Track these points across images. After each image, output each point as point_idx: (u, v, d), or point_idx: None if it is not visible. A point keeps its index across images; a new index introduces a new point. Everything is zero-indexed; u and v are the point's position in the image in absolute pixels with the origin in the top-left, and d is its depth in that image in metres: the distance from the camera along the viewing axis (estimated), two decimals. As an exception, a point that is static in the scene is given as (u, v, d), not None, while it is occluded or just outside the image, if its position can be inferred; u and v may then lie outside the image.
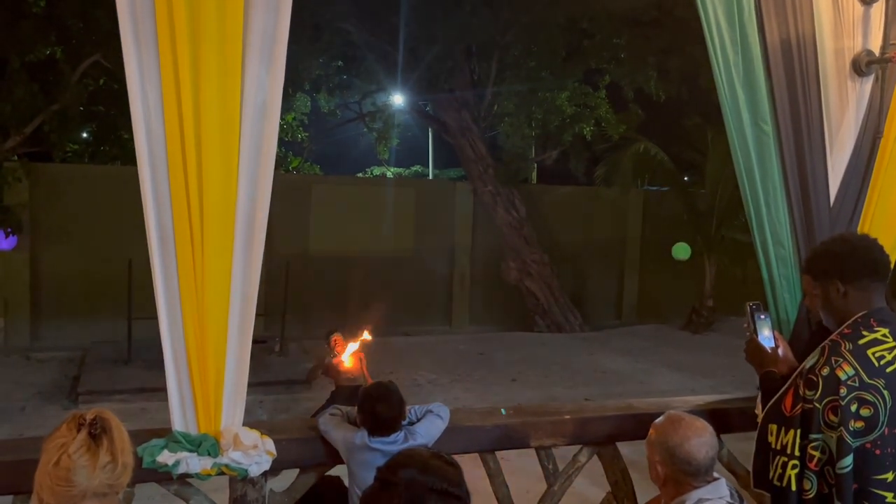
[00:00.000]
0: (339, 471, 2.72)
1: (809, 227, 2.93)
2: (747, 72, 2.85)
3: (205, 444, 2.28)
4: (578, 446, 2.95)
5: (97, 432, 1.57)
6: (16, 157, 10.21)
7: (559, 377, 9.44)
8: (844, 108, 2.96)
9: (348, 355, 5.88)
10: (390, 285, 11.96)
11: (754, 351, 2.49)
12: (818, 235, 2.89)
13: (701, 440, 2.16)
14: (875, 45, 2.93)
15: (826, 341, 2.22)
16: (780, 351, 2.46)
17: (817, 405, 2.13)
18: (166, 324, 2.28)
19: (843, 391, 2.09)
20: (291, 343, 10.06)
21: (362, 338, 6.09)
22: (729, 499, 2.17)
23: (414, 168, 22.44)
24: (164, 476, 2.30)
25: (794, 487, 2.16)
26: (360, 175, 20.09)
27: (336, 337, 6.05)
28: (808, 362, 2.22)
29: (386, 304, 11.51)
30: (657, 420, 2.28)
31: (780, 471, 2.19)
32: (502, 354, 10.66)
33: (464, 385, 8.91)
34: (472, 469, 1.91)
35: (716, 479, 2.20)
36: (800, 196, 2.93)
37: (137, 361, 8.59)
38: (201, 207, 2.23)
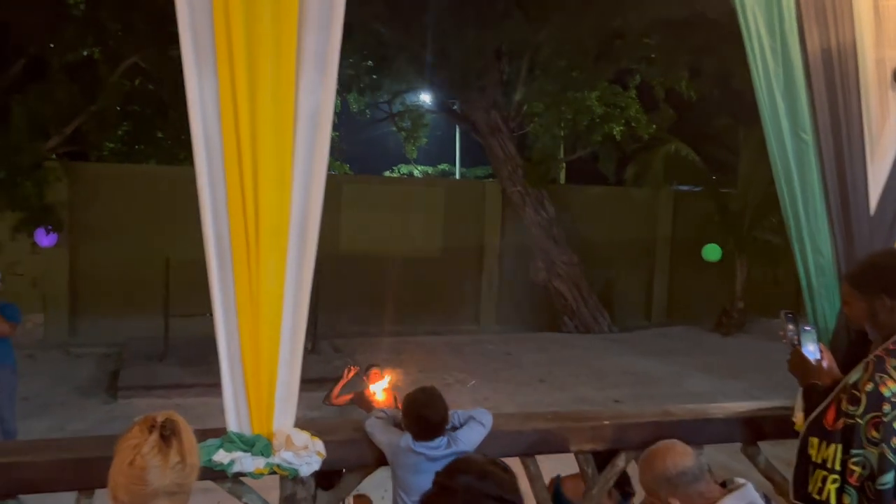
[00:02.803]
0: (383, 472, 2.79)
1: (849, 236, 2.93)
2: (787, 81, 2.87)
3: (258, 445, 2.36)
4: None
5: (168, 434, 1.65)
6: (55, 157, 10.45)
7: (587, 378, 9.44)
8: (885, 118, 2.96)
9: (380, 389, 5.93)
10: (419, 284, 12.04)
11: (798, 362, 2.48)
12: (858, 245, 2.90)
13: (677, 453, 2.18)
14: (917, 56, 2.94)
15: (871, 356, 2.22)
16: (824, 363, 2.46)
17: (860, 421, 2.14)
18: (222, 327, 2.35)
19: (886, 408, 2.11)
20: (322, 341, 10.18)
21: (393, 375, 6.16)
22: None
23: (441, 166, 22.51)
24: (219, 474, 2.39)
25: (833, 502, 2.17)
26: (386, 173, 20.21)
27: (374, 371, 6.09)
28: (852, 377, 2.22)
29: (415, 303, 11.60)
30: (640, 468, 2.27)
31: (819, 485, 2.20)
32: (530, 355, 10.68)
33: (492, 385, 8.95)
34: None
35: (742, 484, 2.19)
36: (839, 205, 2.93)
37: (173, 358, 8.76)
38: (257, 213, 2.30)
